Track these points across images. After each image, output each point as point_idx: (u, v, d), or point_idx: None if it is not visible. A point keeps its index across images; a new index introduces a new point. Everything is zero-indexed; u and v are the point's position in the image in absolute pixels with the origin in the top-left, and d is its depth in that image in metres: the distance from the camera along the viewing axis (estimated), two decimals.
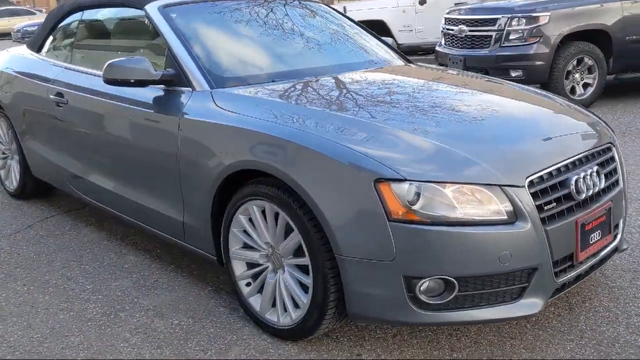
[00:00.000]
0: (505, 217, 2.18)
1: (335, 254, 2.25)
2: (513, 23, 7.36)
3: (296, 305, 2.50)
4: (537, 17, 7.24)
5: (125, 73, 2.92)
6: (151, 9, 3.28)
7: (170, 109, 2.91)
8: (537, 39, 7.24)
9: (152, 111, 3.01)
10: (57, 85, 3.71)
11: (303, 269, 2.46)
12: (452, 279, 2.17)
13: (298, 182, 2.28)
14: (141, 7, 3.35)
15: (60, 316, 2.86)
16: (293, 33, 3.49)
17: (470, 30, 7.80)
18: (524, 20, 7.30)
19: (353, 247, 2.20)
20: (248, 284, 2.71)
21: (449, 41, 8.30)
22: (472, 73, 3.75)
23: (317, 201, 2.24)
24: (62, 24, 4.07)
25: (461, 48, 8.01)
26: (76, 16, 3.93)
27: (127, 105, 3.15)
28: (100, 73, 3.35)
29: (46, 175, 4.11)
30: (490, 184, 2.19)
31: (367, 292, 2.23)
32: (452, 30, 8.08)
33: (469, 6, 8.12)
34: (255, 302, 2.67)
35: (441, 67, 3.81)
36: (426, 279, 2.17)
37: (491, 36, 7.56)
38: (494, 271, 2.18)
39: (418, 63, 3.74)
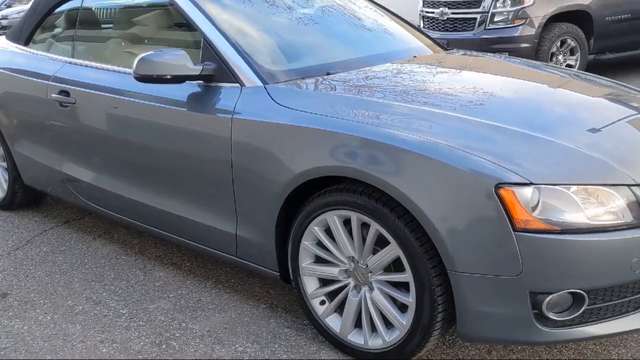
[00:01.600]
0: (635, 220, 1.98)
1: (448, 269, 1.99)
2: (498, 5, 7.23)
3: (388, 326, 2.23)
4: None
5: (162, 68, 2.56)
6: None
7: (216, 109, 2.57)
8: (523, 21, 7.14)
9: (190, 111, 2.66)
10: (59, 83, 3.28)
11: (397, 285, 2.20)
12: (583, 292, 1.95)
13: (400, 189, 2.01)
14: None
15: (102, 349, 2.50)
16: (330, 18, 3.19)
17: (453, 13, 7.64)
18: (509, 2, 7.18)
19: (470, 261, 1.95)
20: (322, 302, 2.43)
21: (428, 24, 8.12)
22: (526, 61, 3.51)
23: (425, 211, 1.98)
24: (55, 12, 3.61)
25: (443, 31, 7.83)
26: (74, 3, 3.48)
27: (156, 104, 2.78)
28: (121, 68, 3.01)
29: (42, 183, 3.67)
30: (618, 184, 1.98)
31: (485, 311, 1.99)
32: (433, 12, 7.90)
33: None
34: (334, 322, 2.39)
35: (488, 54, 3.57)
36: (555, 294, 1.95)
37: (475, 18, 7.42)
38: (626, 280, 1.98)
39: (454, 49, 3.51)
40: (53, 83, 3.31)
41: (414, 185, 1.99)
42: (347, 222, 2.26)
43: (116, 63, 3.10)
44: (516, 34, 7.17)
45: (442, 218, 1.96)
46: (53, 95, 3.28)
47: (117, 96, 2.95)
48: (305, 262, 2.41)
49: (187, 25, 2.90)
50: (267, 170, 2.38)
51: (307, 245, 2.38)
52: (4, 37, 4.10)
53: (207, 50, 2.69)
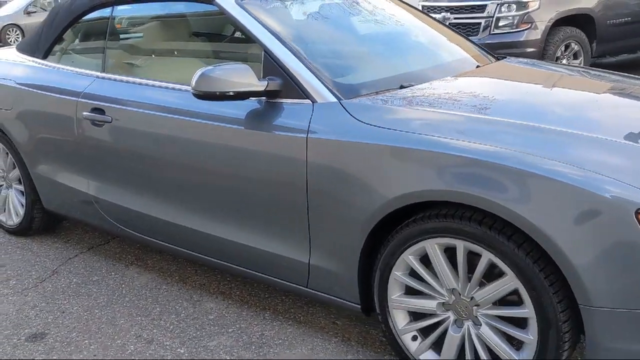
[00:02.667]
0: None
1: (580, 304, 1.81)
2: (503, 9, 7.14)
3: None
4: (527, 2, 7.06)
5: (225, 85, 2.33)
6: (227, 3, 2.68)
7: (286, 127, 2.35)
8: (529, 25, 7.06)
9: (252, 129, 2.44)
10: (91, 100, 3.01)
11: (509, 320, 2.01)
12: None
13: (526, 217, 1.82)
14: (209, 1, 2.74)
15: None
16: (388, 29, 3.00)
17: (456, 18, 7.52)
18: (514, 6, 7.09)
19: (606, 294, 1.78)
20: (414, 338, 2.22)
21: None
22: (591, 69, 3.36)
23: (555, 240, 1.79)
24: (79, 22, 3.33)
25: None
26: (103, 12, 3.21)
27: (210, 123, 2.55)
28: (166, 84, 2.77)
29: (66, 206, 3.39)
30: None
31: (619, 348, 1.82)
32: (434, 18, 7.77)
33: None
34: None
35: (546, 62, 3.41)
36: None
37: (479, 23, 7.31)
38: None
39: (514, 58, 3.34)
40: (84, 100, 3.04)
41: (542, 212, 1.81)
42: (447, 250, 2.07)
43: (159, 78, 2.85)
44: (522, 39, 7.08)
45: (574, 247, 1.78)
46: (84, 113, 3.02)
47: (163, 114, 2.71)
48: (395, 294, 2.21)
49: (241, 35, 2.69)
50: (353, 195, 2.17)
51: (398, 275, 2.18)
52: (14, 49, 3.81)
53: (269, 64, 2.47)
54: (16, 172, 3.62)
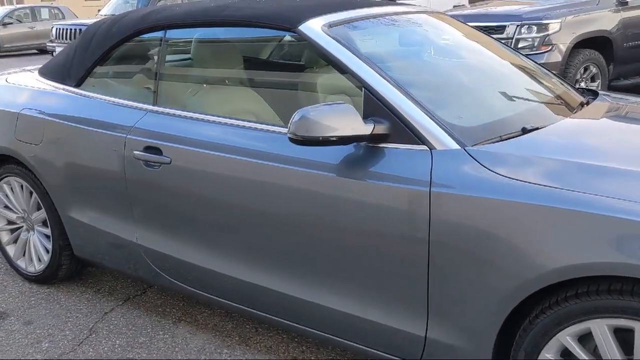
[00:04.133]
0: None
1: None
2: (523, 30, 6.94)
3: None
4: (548, 24, 6.87)
5: (327, 129, 1.99)
6: (312, 31, 2.34)
7: (400, 178, 2.01)
8: (549, 48, 6.87)
9: (350, 178, 2.09)
10: (143, 137, 2.63)
11: None
12: None
13: None
14: (291, 29, 2.39)
15: None
16: (483, 59, 2.69)
17: None
18: (535, 28, 6.89)
19: None
20: None
21: None
22: None
23: None
24: (121, 48, 2.95)
25: None
26: (153, 34, 2.83)
27: (297, 169, 2.20)
28: (242, 122, 2.42)
29: (102, 255, 2.98)
30: None
31: None
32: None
33: (469, 12, 7.59)
34: None
35: None
36: None
37: None
38: None
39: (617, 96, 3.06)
40: (134, 137, 2.66)
41: None
42: (617, 332, 1.75)
43: (228, 114, 2.50)
44: (542, 61, 6.87)
45: None
46: (136, 152, 2.63)
47: (237, 157, 2.34)
48: None
49: (324, 66, 2.35)
50: (492, 261, 1.84)
51: (549, 358, 1.84)
52: (36, 74, 3.40)
53: (372, 103, 2.14)
54: (41, 214, 3.20)
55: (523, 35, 6.93)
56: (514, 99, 2.47)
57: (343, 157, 2.15)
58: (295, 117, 2.02)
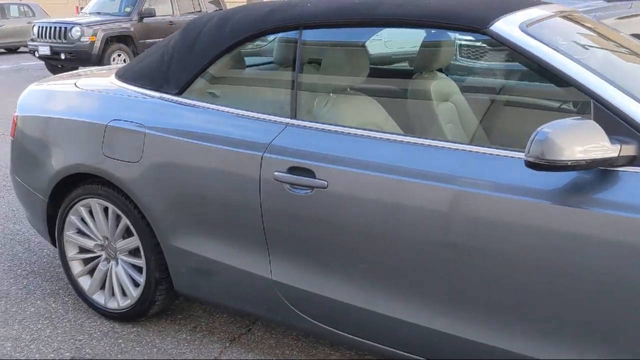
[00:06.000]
0: None
1: None
2: None
3: None
4: None
5: (574, 151, 1.66)
6: (510, 32, 1.99)
7: None
8: None
9: (585, 208, 1.75)
10: (287, 156, 2.23)
11: None
12: None
13: None
14: (480, 30, 2.04)
15: None
16: None
17: None
18: None
19: None
20: None
21: (465, 52, 7.50)
22: None
23: None
24: (238, 50, 2.53)
25: (474, 59, 7.23)
26: (284, 38, 2.44)
27: (508, 196, 1.85)
28: (428, 141, 2.05)
29: (214, 290, 2.56)
30: None
31: None
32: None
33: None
34: None
35: None
36: None
37: None
38: None
39: None
40: (273, 156, 2.25)
41: None
42: None
43: (408, 130, 2.13)
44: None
45: None
46: (278, 173, 2.23)
47: (422, 181, 1.98)
48: None
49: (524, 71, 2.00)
50: None
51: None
52: (113, 78, 2.94)
53: (610, 120, 1.80)
54: (131, 242, 2.75)
55: None
56: None
57: (568, 182, 1.81)
58: (538, 136, 1.67)
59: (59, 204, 2.97)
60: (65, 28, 11.34)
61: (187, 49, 2.65)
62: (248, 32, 2.48)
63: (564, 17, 2.44)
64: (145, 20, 12.11)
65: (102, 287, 2.94)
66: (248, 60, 2.61)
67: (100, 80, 3.00)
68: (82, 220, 2.91)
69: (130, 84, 2.81)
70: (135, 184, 2.59)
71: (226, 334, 2.80)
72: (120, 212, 2.72)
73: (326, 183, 2.14)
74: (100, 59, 11.38)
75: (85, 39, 11.21)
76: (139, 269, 2.80)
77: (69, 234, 2.94)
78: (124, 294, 2.86)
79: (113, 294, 2.89)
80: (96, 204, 2.80)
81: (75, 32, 11.22)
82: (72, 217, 2.90)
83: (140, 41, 12.03)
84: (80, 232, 2.95)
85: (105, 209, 2.80)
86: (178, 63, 2.66)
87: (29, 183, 3.01)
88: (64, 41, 11.34)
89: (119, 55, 11.72)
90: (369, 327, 2.19)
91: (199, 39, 2.62)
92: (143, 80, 2.77)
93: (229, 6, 14.11)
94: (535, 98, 2.37)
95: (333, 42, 2.44)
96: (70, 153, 2.78)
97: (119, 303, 2.86)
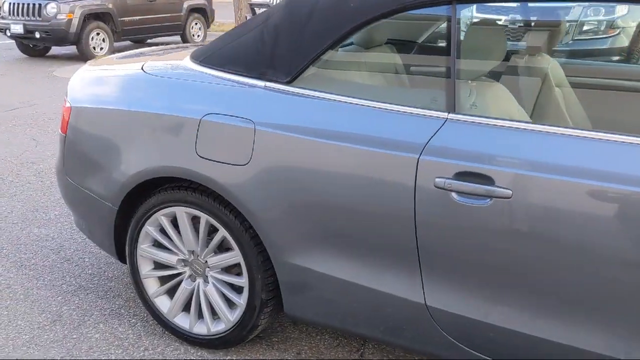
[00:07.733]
0: None
1: None
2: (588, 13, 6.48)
3: None
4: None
5: None
6: None
7: None
8: (616, 31, 6.45)
9: None
10: (453, 158, 1.84)
11: None
12: None
13: None
14: None
15: None
16: None
17: None
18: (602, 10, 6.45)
19: None
20: None
21: None
22: None
23: None
24: (367, 29, 2.12)
25: (514, 41, 6.95)
26: (430, 15, 2.04)
27: None
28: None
29: (339, 315, 2.18)
30: None
31: None
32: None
33: None
34: None
35: None
36: None
37: None
38: None
39: None
40: (433, 158, 1.87)
41: None
42: None
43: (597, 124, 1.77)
44: (605, 46, 6.46)
45: None
46: (440, 179, 1.85)
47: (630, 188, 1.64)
48: None
49: None
50: None
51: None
52: (190, 62, 2.49)
53: None
54: (228, 258, 2.33)
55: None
56: None
57: None
58: None
59: (129, 212, 2.52)
60: (40, 5, 10.56)
61: (297, 28, 2.22)
62: (382, 8, 2.06)
63: None
64: None
65: (185, 309, 2.53)
66: (377, 42, 2.20)
67: (174, 64, 2.55)
68: (162, 232, 2.47)
69: (217, 70, 2.37)
70: (242, 190, 2.17)
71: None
72: (216, 223, 2.29)
73: (510, 192, 1.78)
74: (78, 38, 10.67)
75: (62, 17, 10.47)
76: (236, 289, 2.39)
77: (144, 247, 2.51)
78: (217, 317, 2.45)
79: (200, 317, 2.48)
80: (183, 212, 2.36)
81: (51, 9, 10.46)
82: (149, 228, 2.46)
83: (120, 19, 11.32)
84: (158, 245, 2.51)
85: (194, 219, 2.38)
86: (286, 46, 2.23)
87: (90, 188, 2.55)
88: (38, 19, 10.56)
89: (98, 34, 11.00)
90: None
91: (313, 16, 2.20)
92: (236, 65, 2.33)
93: None
94: None
95: (492, 19, 2.06)
96: (150, 153, 2.34)
97: (209, 328, 2.45)
